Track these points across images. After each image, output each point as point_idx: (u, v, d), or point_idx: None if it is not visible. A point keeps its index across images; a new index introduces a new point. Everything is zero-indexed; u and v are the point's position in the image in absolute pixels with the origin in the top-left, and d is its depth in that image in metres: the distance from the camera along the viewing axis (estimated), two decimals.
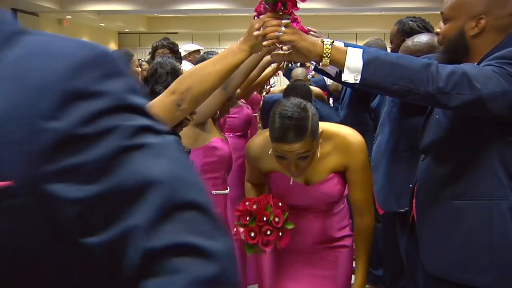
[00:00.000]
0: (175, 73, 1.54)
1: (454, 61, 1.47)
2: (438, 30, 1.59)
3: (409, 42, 2.23)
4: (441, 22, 1.58)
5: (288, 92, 2.83)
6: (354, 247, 1.91)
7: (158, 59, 1.60)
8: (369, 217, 1.81)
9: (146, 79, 1.57)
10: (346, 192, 1.86)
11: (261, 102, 4.01)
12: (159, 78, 1.53)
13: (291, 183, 1.74)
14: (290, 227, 1.69)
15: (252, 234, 1.65)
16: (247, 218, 1.68)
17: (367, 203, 1.81)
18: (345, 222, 1.94)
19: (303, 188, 1.77)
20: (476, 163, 1.47)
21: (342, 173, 1.76)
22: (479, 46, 1.47)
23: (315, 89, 3.73)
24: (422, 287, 1.72)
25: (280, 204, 1.70)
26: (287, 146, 1.53)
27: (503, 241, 1.46)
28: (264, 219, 1.65)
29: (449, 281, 1.53)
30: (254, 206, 1.67)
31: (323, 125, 1.70)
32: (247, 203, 1.69)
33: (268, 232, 1.64)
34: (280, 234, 1.66)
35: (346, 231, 1.93)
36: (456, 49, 1.51)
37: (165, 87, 1.39)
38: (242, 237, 1.68)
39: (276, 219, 1.65)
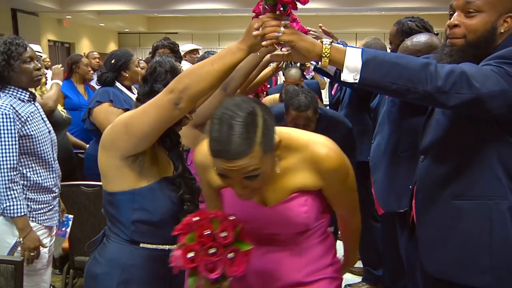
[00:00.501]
0: (174, 71, 1.54)
1: (479, 56, 1.45)
2: (456, 22, 1.50)
3: (408, 42, 2.23)
4: (455, 14, 1.51)
5: (290, 99, 2.60)
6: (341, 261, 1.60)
7: (157, 58, 1.61)
8: (355, 219, 1.57)
9: (145, 78, 1.57)
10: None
11: None
12: (158, 77, 1.54)
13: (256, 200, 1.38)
14: (245, 247, 1.27)
15: (191, 255, 1.23)
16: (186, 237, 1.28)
17: (352, 210, 1.54)
18: (326, 261, 1.49)
19: (260, 210, 1.39)
20: (475, 163, 1.47)
21: (313, 193, 1.39)
22: (500, 45, 1.46)
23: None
24: (422, 287, 1.72)
25: (232, 218, 1.30)
26: (228, 163, 1.17)
27: (503, 241, 1.45)
28: (208, 232, 1.25)
29: (449, 281, 1.53)
30: (196, 219, 1.28)
31: (289, 132, 1.38)
32: (188, 217, 1.31)
33: (212, 251, 1.23)
34: (231, 255, 1.25)
35: (327, 273, 1.48)
36: (485, 44, 1.47)
37: (164, 86, 1.40)
38: (181, 262, 1.26)
39: (223, 234, 1.25)
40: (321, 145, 1.36)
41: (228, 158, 1.17)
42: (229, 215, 1.31)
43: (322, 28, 2.96)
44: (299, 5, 1.32)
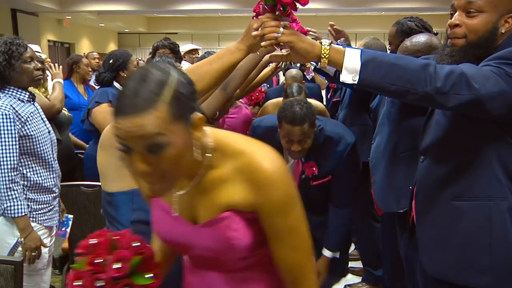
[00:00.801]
0: None
1: (480, 56, 1.45)
2: (457, 22, 1.49)
3: (407, 42, 2.23)
4: (456, 13, 1.50)
5: (283, 110, 2.25)
6: None
7: (156, 58, 1.61)
8: None
9: None
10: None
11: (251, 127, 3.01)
12: None
13: (173, 213, 1.16)
14: (144, 282, 1.07)
15: (78, 283, 1.05)
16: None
17: (295, 277, 1.14)
18: None
19: (187, 227, 1.15)
20: (475, 164, 1.47)
21: (247, 216, 1.10)
22: (500, 45, 1.46)
23: (317, 104, 3.11)
24: None
25: (136, 244, 1.10)
26: (126, 122, 0.95)
27: (503, 241, 1.45)
28: (99, 261, 1.06)
29: (448, 282, 1.53)
30: (94, 241, 1.09)
31: (225, 135, 1.13)
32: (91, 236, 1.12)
33: (99, 284, 1.05)
34: None
35: None
36: (486, 45, 1.46)
37: None
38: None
39: (115, 265, 1.05)
40: (261, 154, 1.08)
41: (126, 113, 0.95)
42: (134, 240, 1.10)
43: (334, 27, 2.92)
44: (298, 6, 1.32)
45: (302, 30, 1.48)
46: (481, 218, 1.47)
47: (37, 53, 2.56)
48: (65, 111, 3.50)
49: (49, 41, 12.82)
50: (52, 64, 3.76)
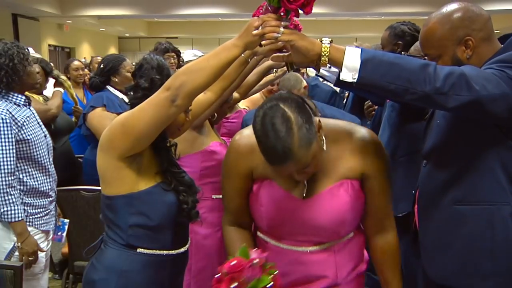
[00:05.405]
0: (160, 68, 1.53)
1: None
2: None
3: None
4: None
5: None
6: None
7: (145, 55, 1.59)
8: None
9: (134, 74, 1.56)
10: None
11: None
12: (143, 73, 1.52)
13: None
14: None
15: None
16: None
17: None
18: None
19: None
20: (477, 168, 1.46)
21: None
22: (478, 62, 1.47)
23: None
24: None
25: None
26: None
27: (505, 246, 1.44)
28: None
29: (451, 287, 1.52)
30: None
31: None
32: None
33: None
34: None
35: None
36: None
37: (149, 81, 1.43)
38: None
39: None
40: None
41: None
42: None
43: None
44: (301, 13, 1.33)
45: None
46: (483, 223, 1.46)
47: (32, 55, 2.57)
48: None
49: (49, 45, 12.84)
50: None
